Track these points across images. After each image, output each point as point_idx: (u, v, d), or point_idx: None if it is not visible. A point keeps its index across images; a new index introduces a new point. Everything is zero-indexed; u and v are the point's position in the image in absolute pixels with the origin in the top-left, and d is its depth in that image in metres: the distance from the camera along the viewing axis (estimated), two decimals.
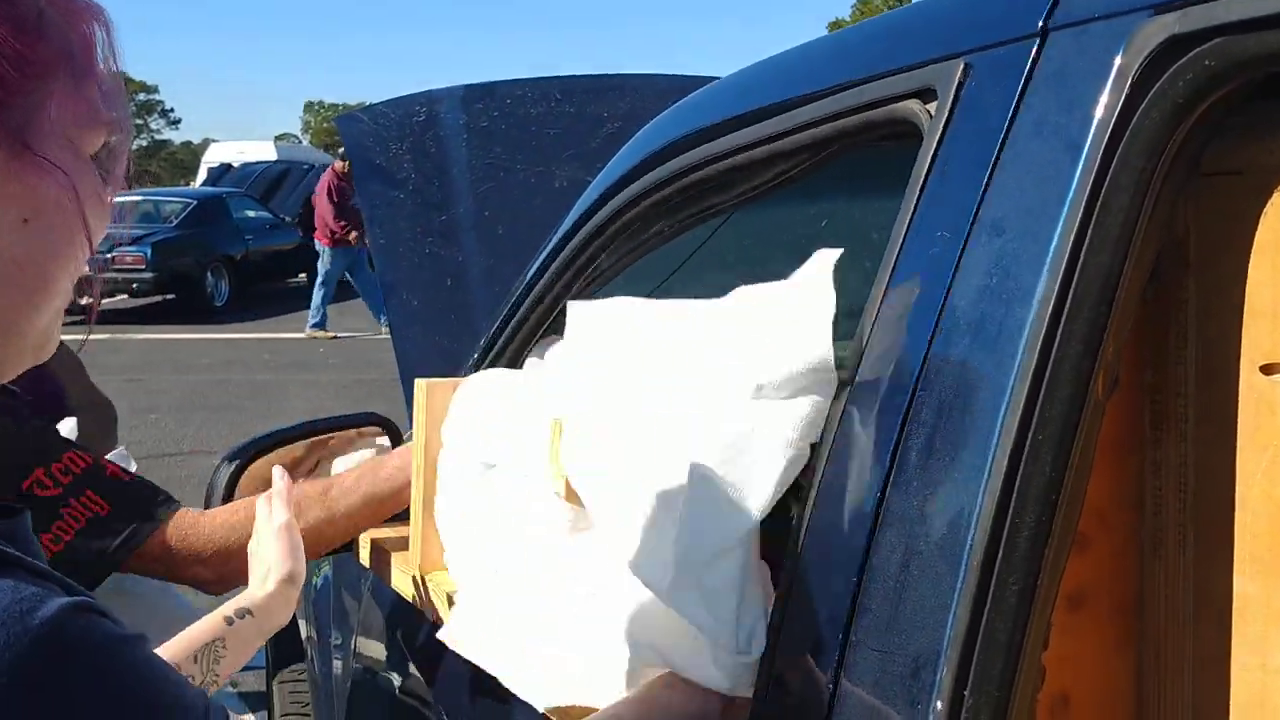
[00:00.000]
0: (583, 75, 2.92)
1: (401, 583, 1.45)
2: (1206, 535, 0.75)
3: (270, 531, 1.23)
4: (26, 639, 0.53)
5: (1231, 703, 0.73)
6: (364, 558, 1.58)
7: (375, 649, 1.82)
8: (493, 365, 1.57)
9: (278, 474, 1.31)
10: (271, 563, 1.21)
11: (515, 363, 1.54)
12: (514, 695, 1.11)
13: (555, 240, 1.48)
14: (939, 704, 0.69)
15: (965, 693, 0.69)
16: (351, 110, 2.80)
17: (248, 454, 1.50)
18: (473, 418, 1.36)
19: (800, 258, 2.01)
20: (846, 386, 0.84)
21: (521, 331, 1.55)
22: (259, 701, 3.22)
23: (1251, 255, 0.70)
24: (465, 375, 1.69)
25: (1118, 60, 0.70)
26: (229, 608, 1.16)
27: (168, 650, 1.08)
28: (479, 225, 2.55)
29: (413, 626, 1.60)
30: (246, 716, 3.31)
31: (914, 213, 0.83)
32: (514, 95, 2.82)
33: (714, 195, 1.20)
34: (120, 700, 0.56)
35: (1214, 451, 0.74)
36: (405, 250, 2.49)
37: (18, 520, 0.62)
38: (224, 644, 1.12)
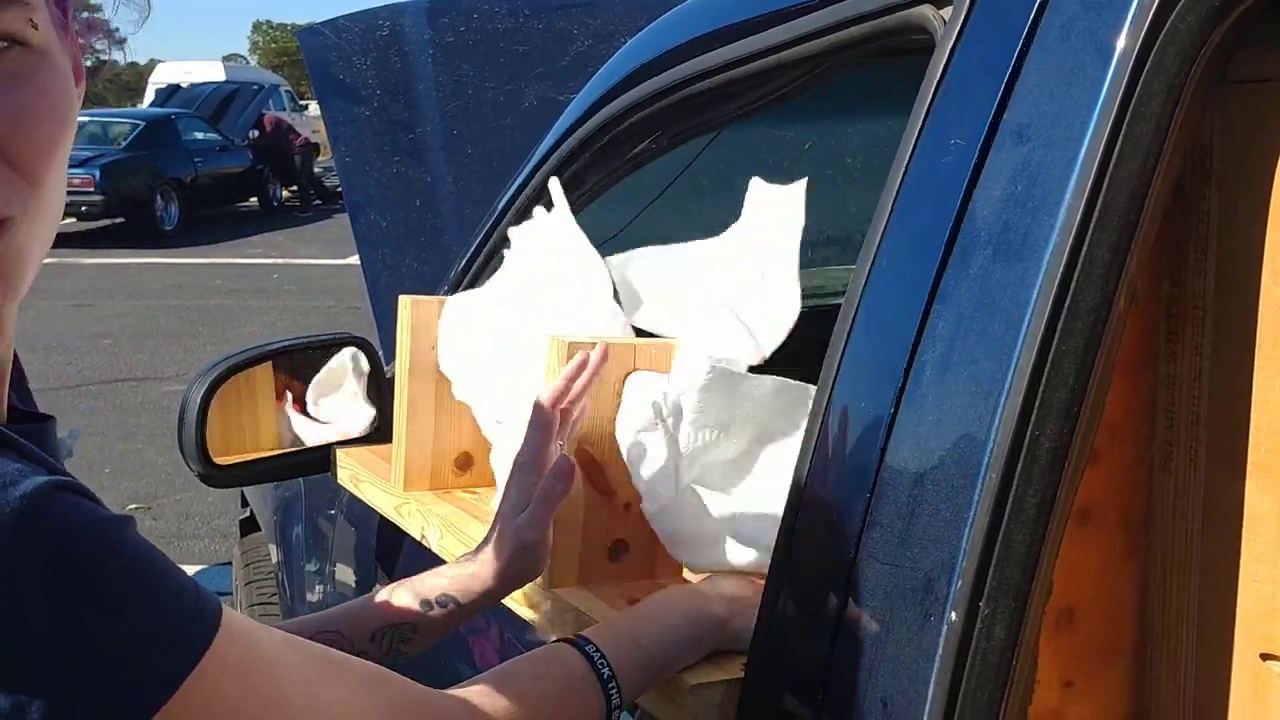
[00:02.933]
0: None
1: (382, 501, 1.43)
2: (1218, 448, 0.75)
3: (529, 507, 0.94)
4: (3, 514, 0.50)
5: (1239, 614, 0.73)
6: (342, 477, 1.56)
7: (352, 576, 1.81)
8: (472, 286, 1.54)
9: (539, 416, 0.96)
10: (508, 552, 0.94)
11: None
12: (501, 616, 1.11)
13: (537, 156, 1.44)
14: (954, 615, 0.69)
15: (981, 603, 0.68)
16: (309, 26, 2.71)
17: (220, 373, 1.47)
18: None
19: (796, 173, 1.98)
20: (856, 299, 0.82)
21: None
22: None
23: (1278, 165, 0.69)
24: (443, 296, 1.66)
25: None
26: (430, 587, 0.94)
27: (331, 618, 0.93)
28: (447, 145, 2.49)
29: (395, 549, 1.59)
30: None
31: (924, 121, 0.81)
32: (481, 10, 2.75)
33: (708, 110, 1.17)
34: (102, 583, 0.53)
35: (1230, 365, 0.73)
36: (372, 170, 2.43)
37: (45, 425, 0.60)
38: (414, 629, 0.93)
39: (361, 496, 1.49)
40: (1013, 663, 0.68)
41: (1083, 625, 0.79)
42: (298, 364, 1.58)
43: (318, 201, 16.58)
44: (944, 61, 0.80)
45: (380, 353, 1.63)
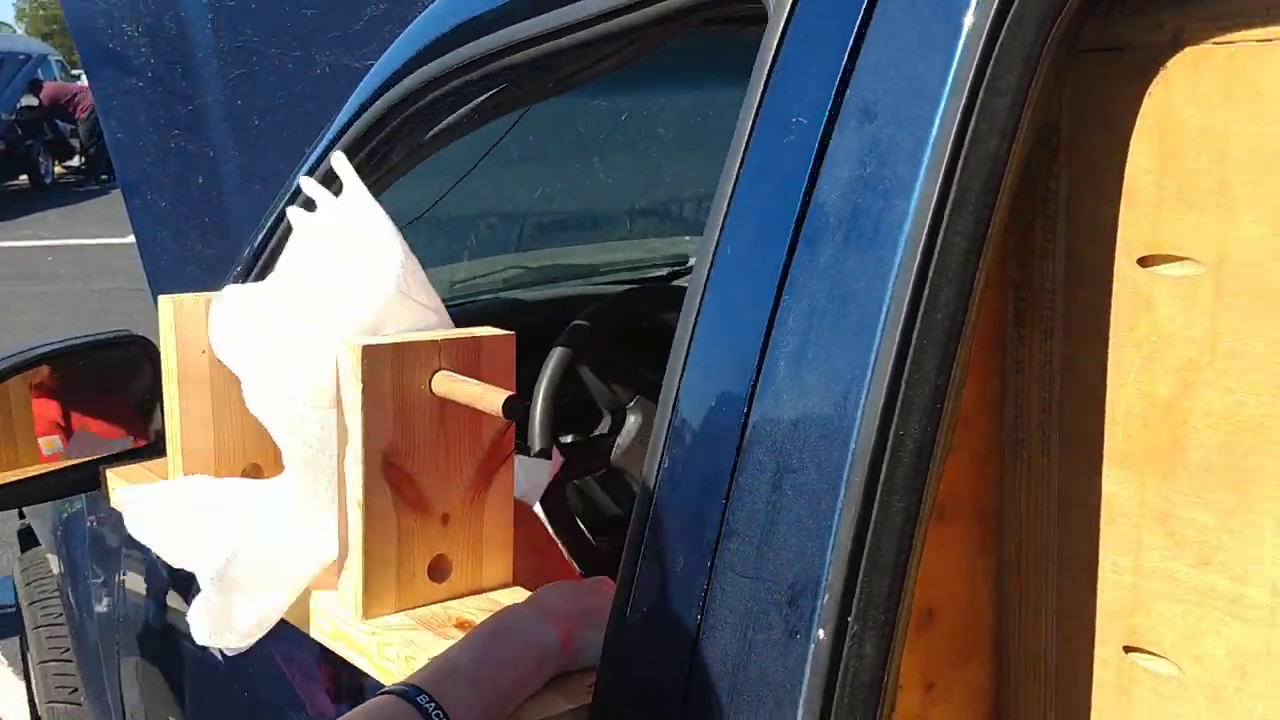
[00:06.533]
0: None
1: None
2: (1073, 437, 0.72)
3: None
4: None
5: (1099, 607, 0.71)
6: (115, 500, 1.40)
7: (143, 586, 1.66)
8: (266, 274, 1.41)
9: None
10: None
11: None
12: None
13: (333, 130, 1.32)
14: (821, 633, 0.64)
15: (850, 619, 0.64)
16: None
17: None
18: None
19: (610, 143, 1.88)
20: (700, 291, 0.76)
21: None
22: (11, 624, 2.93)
23: (1132, 139, 0.66)
24: (231, 284, 1.52)
25: None
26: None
27: None
28: (231, 116, 2.31)
29: None
30: None
31: (762, 98, 0.75)
32: None
33: (518, 84, 1.09)
34: None
35: (1082, 349, 0.71)
36: (147, 145, 2.23)
37: None
38: None
39: None
40: (884, 681, 0.64)
41: (942, 625, 0.75)
42: (69, 368, 1.42)
43: (104, 177, 15.50)
44: (779, 34, 0.75)
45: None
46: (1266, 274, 0.61)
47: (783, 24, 0.75)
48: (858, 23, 0.70)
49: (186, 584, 1.55)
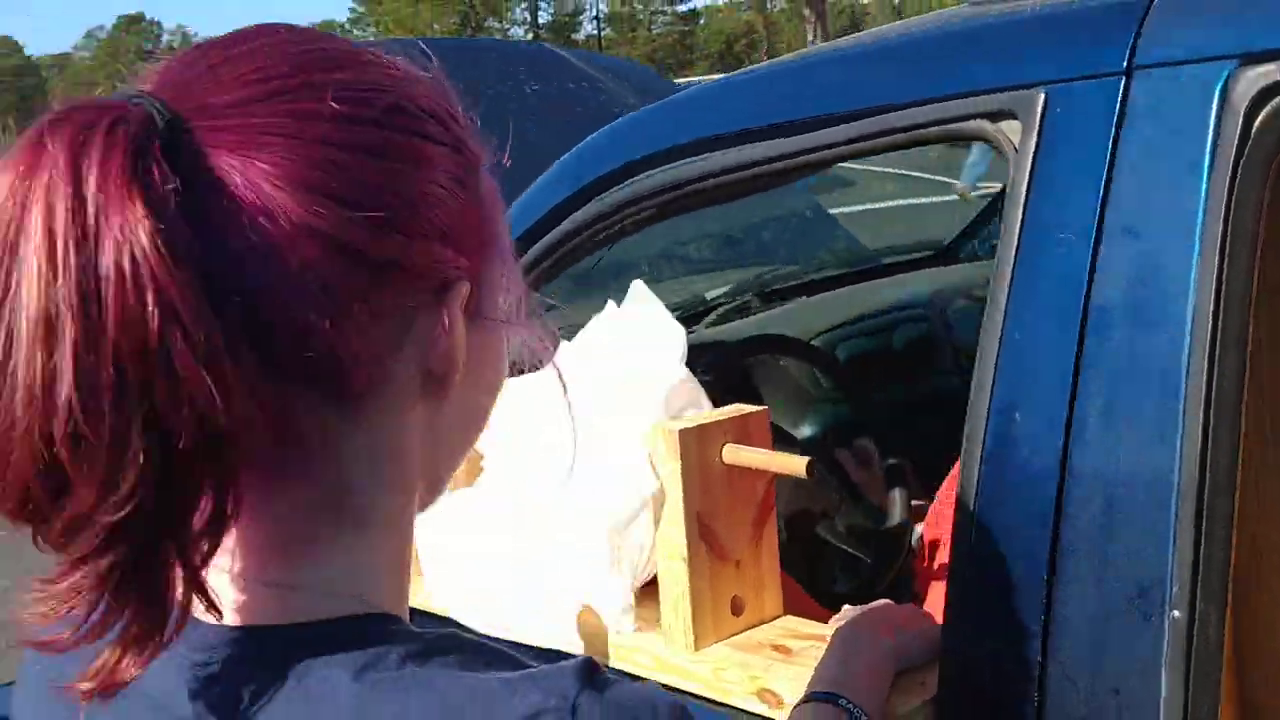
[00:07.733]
0: None
1: None
2: None
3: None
4: None
5: None
6: None
7: None
8: None
9: None
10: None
11: None
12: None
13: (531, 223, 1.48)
14: (1175, 613, 0.89)
15: (1198, 601, 0.88)
16: None
17: None
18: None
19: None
20: (990, 373, 0.99)
21: None
22: None
23: None
24: None
25: (1219, 96, 0.90)
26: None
27: None
28: None
29: None
30: None
31: (1022, 223, 0.99)
32: None
33: (720, 197, 1.31)
34: None
35: None
36: None
37: None
38: None
39: None
40: (1223, 643, 0.89)
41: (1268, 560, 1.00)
42: None
43: None
44: (1028, 173, 0.99)
45: None
46: None
47: (1030, 164, 0.99)
48: (1105, 166, 0.95)
49: None
